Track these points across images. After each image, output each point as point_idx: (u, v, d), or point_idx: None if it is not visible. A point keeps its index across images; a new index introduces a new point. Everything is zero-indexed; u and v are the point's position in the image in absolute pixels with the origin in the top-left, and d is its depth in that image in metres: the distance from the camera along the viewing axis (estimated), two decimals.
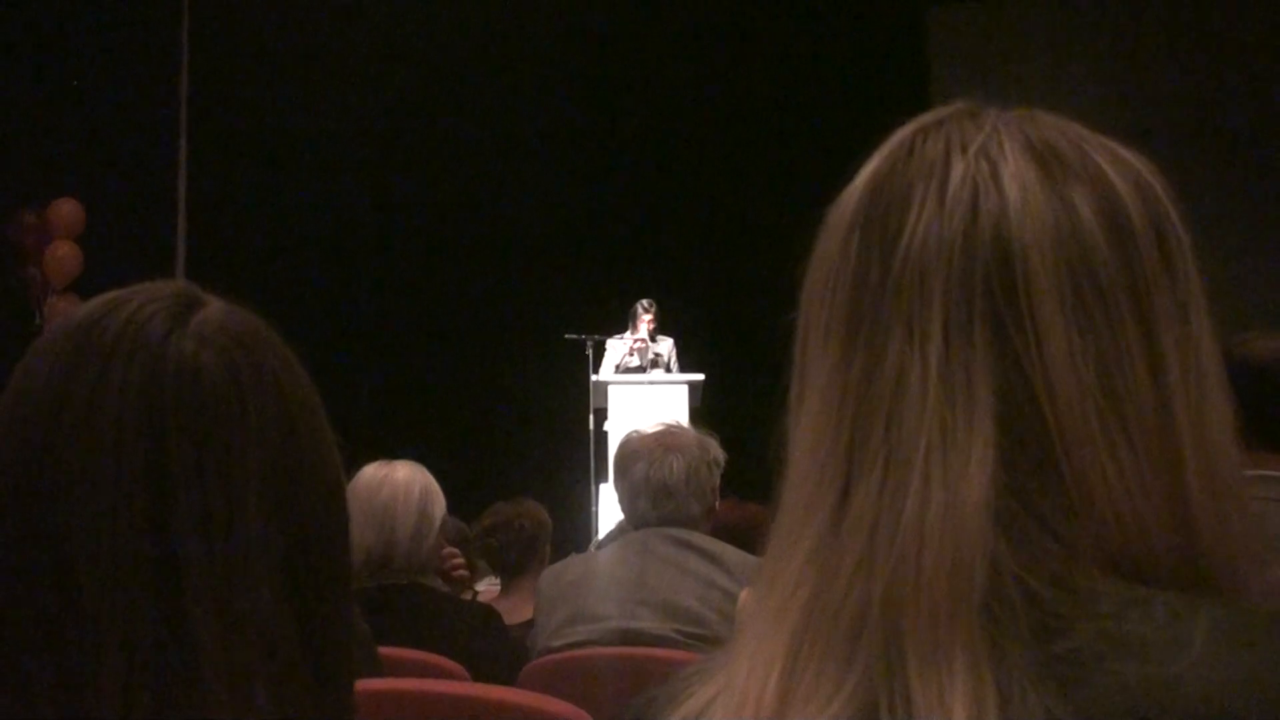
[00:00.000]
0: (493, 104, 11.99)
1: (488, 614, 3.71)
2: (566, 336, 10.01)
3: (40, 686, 0.91)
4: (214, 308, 1.04)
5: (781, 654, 0.80)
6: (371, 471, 3.62)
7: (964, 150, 0.84)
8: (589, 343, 9.93)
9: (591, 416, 9.73)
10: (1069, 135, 0.86)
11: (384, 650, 3.03)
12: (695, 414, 8.90)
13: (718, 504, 3.54)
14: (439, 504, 3.63)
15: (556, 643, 3.28)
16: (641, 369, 9.73)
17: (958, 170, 0.83)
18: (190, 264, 10.89)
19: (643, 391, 9.34)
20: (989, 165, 0.83)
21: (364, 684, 2.20)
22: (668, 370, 9.75)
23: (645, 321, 9.83)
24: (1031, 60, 10.52)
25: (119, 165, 10.56)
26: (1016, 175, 0.82)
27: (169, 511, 0.94)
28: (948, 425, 0.79)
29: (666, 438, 3.48)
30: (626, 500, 3.49)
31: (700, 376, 9.45)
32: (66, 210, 10.39)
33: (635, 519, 3.48)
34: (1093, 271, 0.80)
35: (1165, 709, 0.70)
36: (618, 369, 9.72)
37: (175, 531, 0.94)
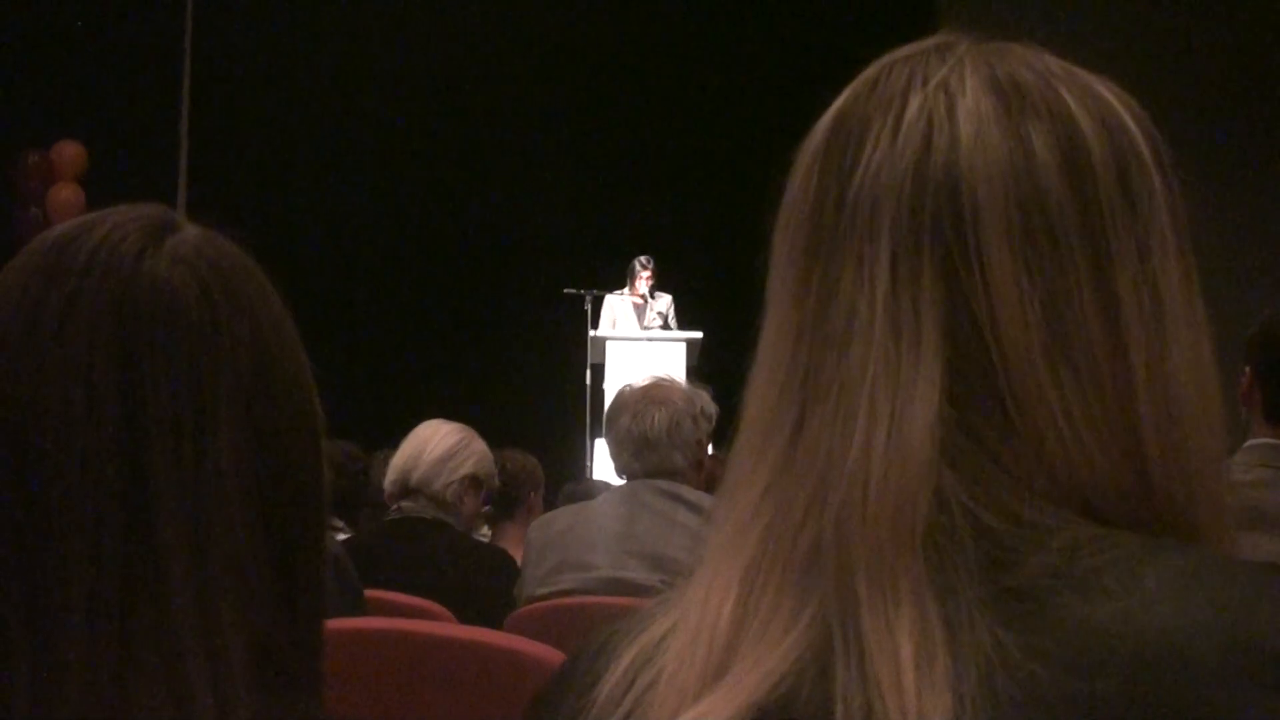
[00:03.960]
0: (495, 59, 11.94)
1: (503, 556, 3.98)
2: (565, 291, 10.02)
3: (6, 600, 0.91)
4: (190, 231, 1.03)
5: (736, 584, 0.80)
6: (429, 424, 4.22)
7: (924, 84, 0.83)
8: (588, 298, 9.93)
9: (589, 372, 9.75)
10: (1037, 69, 0.84)
11: (369, 593, 3.06)
12: (693, 371, 8.89)
13: (707, 457, 3.56)
14: (474, 459, 4.11)
15: (543, 590, 3.30)
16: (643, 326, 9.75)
17: (915, 104, 0.82)
18: (192, 207, 10.87)
19: (640, 348, 9.35)
20: (946, 99, 0.82)
21: (345, 622, 2.22)
22: (666, 327, 9.75)
23: (643, 278, 9.83)
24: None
25: (122, 107, 10.54)
26: (972, 110, 0.81)
27: (139, 429, 0.94)
28: (893, 360, 0.79)
29: (653, 390, 3.51)
30: (613, 452, 3.54)
31: (698, 334, 9.45)
32: (70, 152, 10.39)
33: (622, 470, 3.53)
34: (1044, 209, 0.79)
35: (1115, 646, 0.70)
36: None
37: (145, 448, 0.93)
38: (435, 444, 4.08)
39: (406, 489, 4.03)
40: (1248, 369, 2.80)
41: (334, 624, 2.14)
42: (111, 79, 10.45)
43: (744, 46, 12.13)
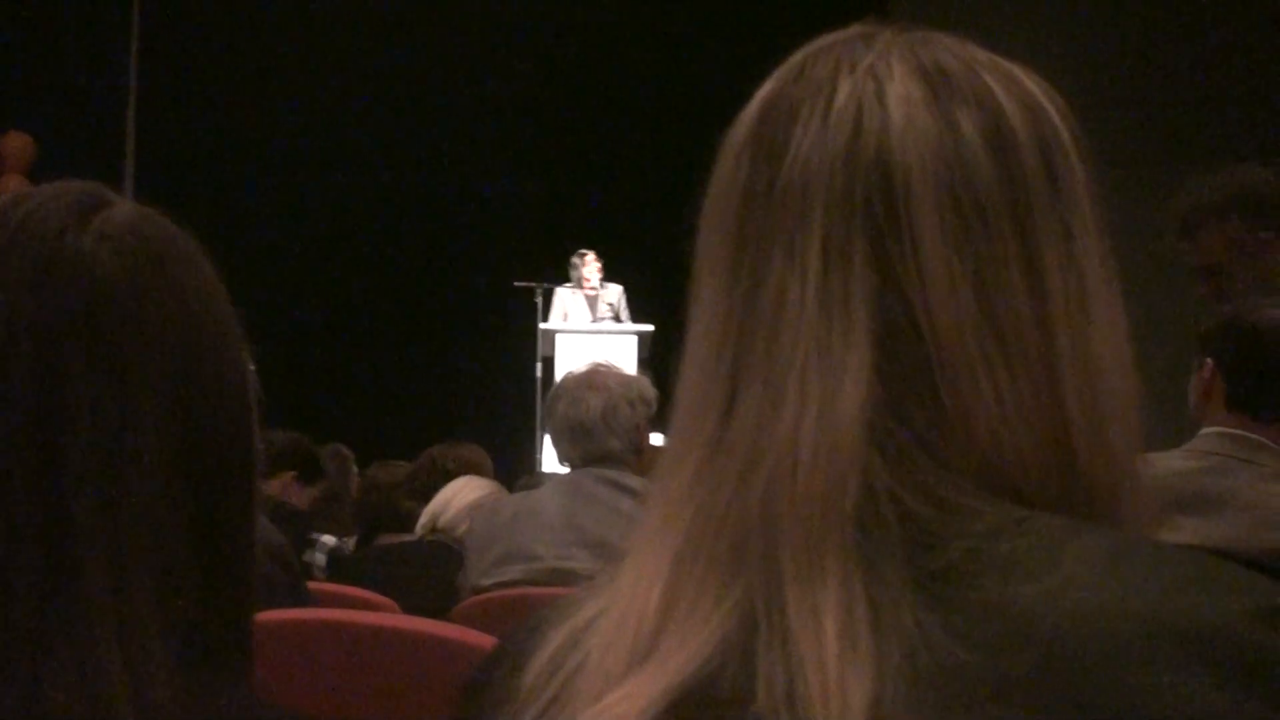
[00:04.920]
0: (443, 52, 11.90)
1: None
2: (516, 285, 10.00)
3: None
4: (122, 209, 1.02)
5: (666, 568, 0.80)
6: (466, 477, 4.73)
7: (852, 70, 0.84)
8: (539, 291, 9.92)
9: (539, 365, 9.73)
10: (961, 56, 0.85)
11: (314, 586, 3.06)
12: (645, 364, 8.89)
13: (648, 445, 3.56)
14: None
15: (488, 581, 3.30)
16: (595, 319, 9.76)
17: (844, 89, 0.83)
18: (139, 198, 10.78)
19: (591, 341, 9.34)
20: (875, 84, 0.83)
21: (288, 613, 2.21)
22: (617, 318, 9.75)
23: (589, 267, 9.83)
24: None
25: (69, 99, 10.47)
26: (901, 94, 0.82)
27: (55, 409, 0.93)
28: (824, 342, 0.79)
29: (590, 377, 3.53)
30: (553, 440, 3.57)
31: (650, 327, 9.45)
32: (17, 144, 10.30)
33: (562, 458, 3.55)
34: (974, 191, 0.80)
35: (1032, 627, 0.71)
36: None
37: (61, 428, 0.92)
38: (465, 494, 4.54)
39: (433, 528, 4.50)
40: (1208, 360, 2.83)
41: (277, 614, 2.14)
42: (58, 70, 10.37)
43: (691, 37, 12.12)
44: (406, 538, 4.80)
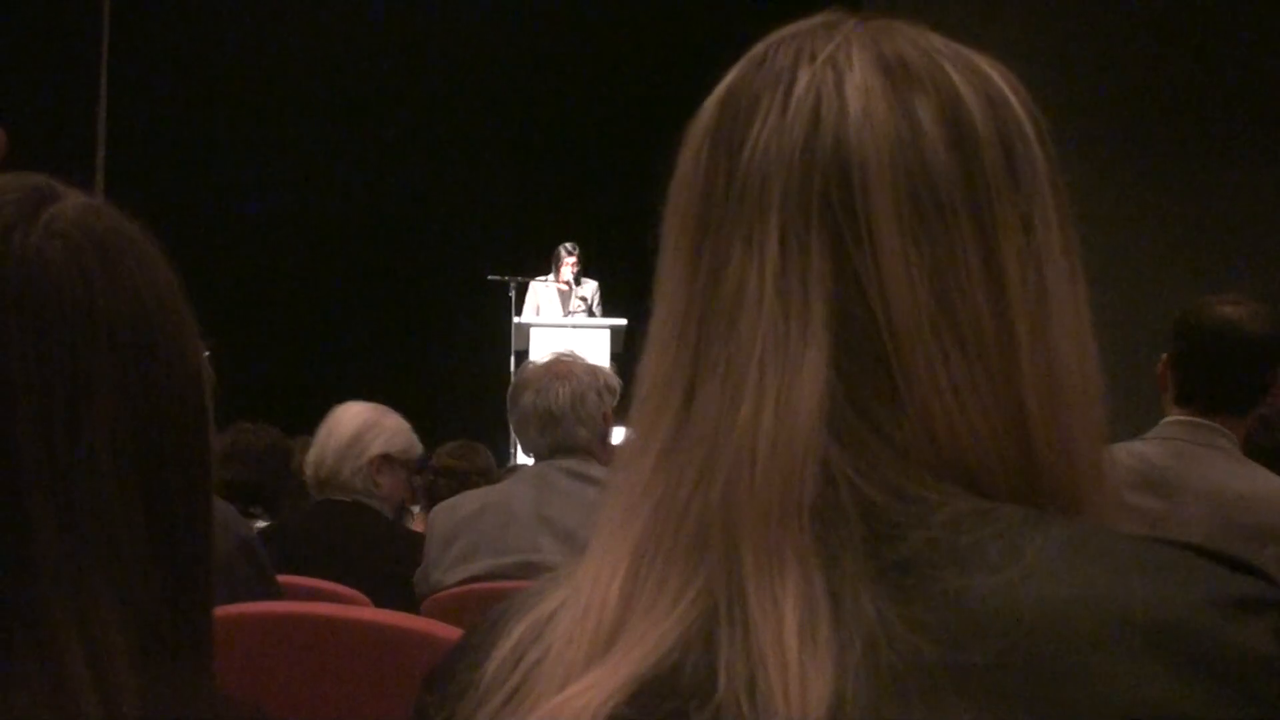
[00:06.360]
0: (422, 44, 11.89)
1: (421, 542, 3.85)
2: (490, 278, 9.99)
3: None
4: (71, 203, 1.00)
5: (626, 560, 0.81)
6: (341, 406, 4.27)
7: (812, 60, 0.84)
8: (512, 285, 9.92)
9: (513, 359, 9.73)
10: (921, 46, 0.85)
11: (284, 578, 3.05)
12: (617, 358, 8.90)
13: (612, 433, 3.55)
14: (382, 438, 4.11)
15: (456, 576, 3.29)
16: (566, 312, 9.77)
17: (803, 79, 0.83)
18: (109, 190, 10.76)
19: (565, 335, 9.34)
20: (834, 75, 0.83)
21: (257, 606, 2.20)
22: (591, 314, 9.76)
23: (568, 265, 9.83)
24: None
25: (40, 93, 10.42)
26: (860, 85, 0.82)
27: (7, 410, 0.92)
28: (781, 334, 0.79)
29: (556, 366, 3.52)
30: (518, 430, 3.55)
31: (623, 321, 9.46)
32: None
33: (528, 448, 3.54)
34: (932, 182, 0.80)
35: (992, 618, 0.71)
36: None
37: (12, 429, 0.91)
38: (339, 431, 4.11)
39: (319, 481, 4.12)
40: (1165, 354, 2.91)
41: (246, 608, 2.14)
42: (31, 64, 10.33)
43: (673, 30, 12.13)
44: None
